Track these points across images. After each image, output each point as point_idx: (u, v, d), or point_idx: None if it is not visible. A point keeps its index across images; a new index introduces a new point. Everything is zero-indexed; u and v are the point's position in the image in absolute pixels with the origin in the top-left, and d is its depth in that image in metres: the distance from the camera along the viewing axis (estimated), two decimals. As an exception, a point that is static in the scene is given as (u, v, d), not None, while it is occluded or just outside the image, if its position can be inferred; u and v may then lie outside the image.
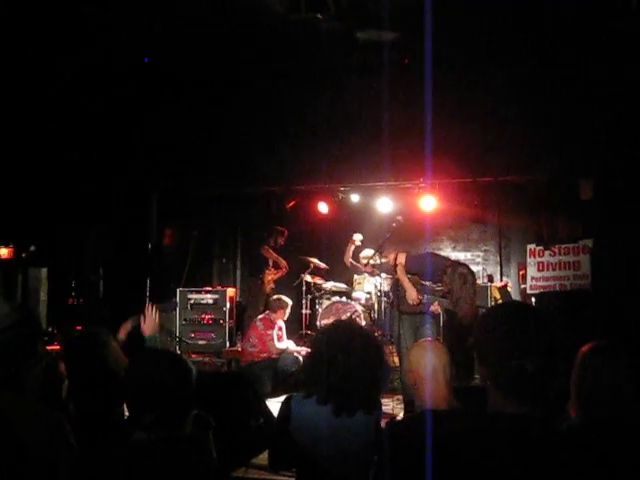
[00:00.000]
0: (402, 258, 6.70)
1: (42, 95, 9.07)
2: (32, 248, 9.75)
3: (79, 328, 8.63)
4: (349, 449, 3.13)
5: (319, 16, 8.07)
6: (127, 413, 2.82)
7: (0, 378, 2.54)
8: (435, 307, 6.67)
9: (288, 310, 9.25)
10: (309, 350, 3.51)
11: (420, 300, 6.59)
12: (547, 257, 9.30)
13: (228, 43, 9.13)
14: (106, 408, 3.20)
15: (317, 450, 3.13)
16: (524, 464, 2.00)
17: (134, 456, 2.54)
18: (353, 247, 9.68)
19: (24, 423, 2.43)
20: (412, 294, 6.56)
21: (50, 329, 9.43)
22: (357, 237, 9.71)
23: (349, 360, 3.10)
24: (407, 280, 6.62)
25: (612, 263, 8.43)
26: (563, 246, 9.23)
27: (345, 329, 3.26)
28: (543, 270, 9.30)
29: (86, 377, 3.31)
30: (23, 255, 9.79)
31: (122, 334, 4.55)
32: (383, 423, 3.33)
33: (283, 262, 10.81)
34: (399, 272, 6.67)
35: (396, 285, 6.92)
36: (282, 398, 3.41)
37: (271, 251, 10.79)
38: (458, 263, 6.23)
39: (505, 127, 9.69)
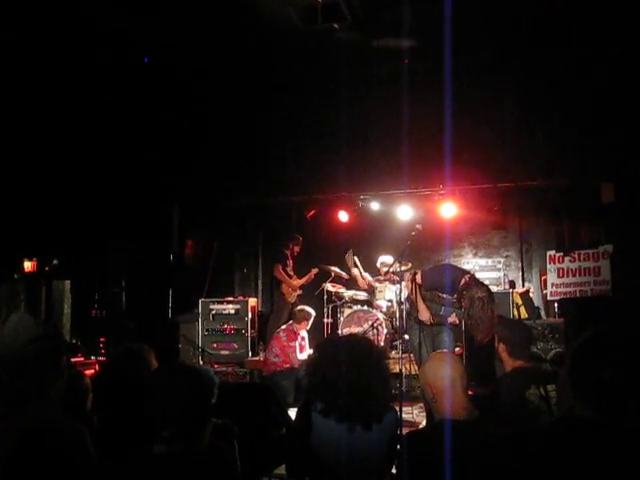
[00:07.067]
0: (419, 277, 6.63)
1: (69, 111, 9.18)
2: (55, 262, 9.86)
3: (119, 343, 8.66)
4: (366, 460, 3.18)
5: (336, 26, 8.11)
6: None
7: (24, 391, 2.58)
8: (453, 319, 6.59)
9: (311, 321, 9.29)
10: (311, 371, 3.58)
11: (433, 321, 6.57)
12: (567, 263, 9.26)
13: (248, 56, 9.20)
14: (130, 422, 3.22)
15: (335, 460, 3.18)
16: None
17: (154, 469, 2.56)
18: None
19: (47, 435, 2.47)
20: (425, 315, 6.53)
21: (74, 341, 9.52)
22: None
23: (348, 380, 3.28)
24: (422, 302, 6.58)
25: (632, 268, 8.34)
26: (583, 252, 9.18)
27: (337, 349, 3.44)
28: (563, 276, 9.26)
29: (118, 392, 3.33)
30: (46, 268, 9.91)
31: None
32: (404, 431, 3.36)
33: (293, 284, 10.61)
34: (415, 293, 6.61)
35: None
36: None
37: (281, 271, 10.62)
38: (474, 281, 6.06)
39: (525, 132, 9.66)
